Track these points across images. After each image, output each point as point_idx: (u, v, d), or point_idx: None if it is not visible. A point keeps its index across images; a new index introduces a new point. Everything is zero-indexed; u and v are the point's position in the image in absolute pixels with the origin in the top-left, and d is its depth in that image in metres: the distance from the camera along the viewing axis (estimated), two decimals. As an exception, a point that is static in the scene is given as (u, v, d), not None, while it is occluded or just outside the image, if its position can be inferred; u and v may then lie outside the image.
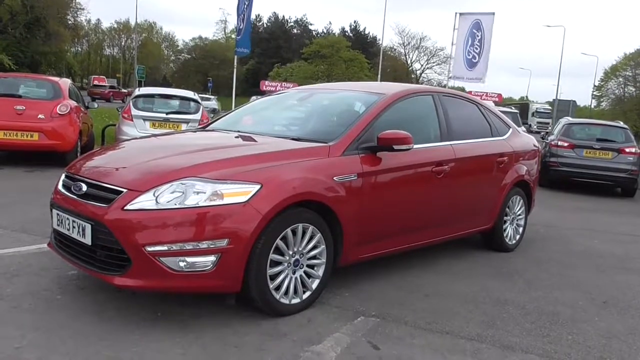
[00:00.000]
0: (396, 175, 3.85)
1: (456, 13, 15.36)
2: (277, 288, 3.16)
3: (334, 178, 3.39)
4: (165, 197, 2.91)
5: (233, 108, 14.71)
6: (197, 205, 2.89)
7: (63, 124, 8.53)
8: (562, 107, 38.70)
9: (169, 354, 2.72)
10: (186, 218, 2.87)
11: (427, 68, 58.05)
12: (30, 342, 2.74)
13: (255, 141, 3.65)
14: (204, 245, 2.87)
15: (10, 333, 2.83)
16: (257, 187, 3.00)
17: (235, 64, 13.42)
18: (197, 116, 9.42)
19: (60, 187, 3.44)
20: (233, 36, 78.50)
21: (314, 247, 3.32)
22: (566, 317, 3.58)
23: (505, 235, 5.23)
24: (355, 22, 67.00)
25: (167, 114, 9.21)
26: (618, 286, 4.42)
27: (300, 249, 3.25)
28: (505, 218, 5.18)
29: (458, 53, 15.44)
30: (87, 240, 3.01)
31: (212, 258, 2.89)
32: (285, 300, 3.21)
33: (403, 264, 4.39)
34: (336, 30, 64.10)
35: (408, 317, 3.37)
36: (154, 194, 2.91)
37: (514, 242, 5.37)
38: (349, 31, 65.12)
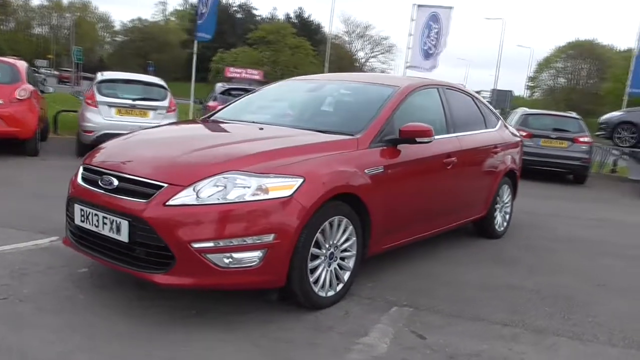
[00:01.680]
0: (414, 167, 3.91)
1: (413, 5, 15.61)
2: (315, 281, 3.16)
3: (365, 170, 3.40)
4: (207, 191, 2.83)
5: (192, 97, 14.39)
6: (243, 200, 2.82)
7: (23, 110, 8.05)
8: (500, 97, 40.24)
9: (222, 352, 2.67)
10: (232, 213, 2.80)
11: (372, 57, 58.68)
12: (75, 346, 2.61)
13: (282, 133, 3.59)
14: (250, 240, 2.81)
15: (47, 337, 2.68)
16: (300, 180, 2.97)
17: (195, 49, 13.03)
18: (165, 103, 9.11)
19: (80, 180, 3.26)
20: (172, 18, 76.27)
21: (346, 240, 3.33)
22: (578, 300, 3.78)
23: (495, 222, 5.43)
24: (300, 8, 66.50)
25: (133, 100, 8.84)
26: (607, 270, 4.70)
27: (335, 241, 3.25)
28: (495, 206, 5.38)
29: (415, 43, 15.71)
30: (123, 237, 2.88)
31: (258, 253, 2.84)
32: (322, 294, 3.21)
33: (407, 253, 4.47)
34: (281, 16, 63.49)
35: (437, 305, 3.46)
36: (194, 189, 2.82)
37: (502, 229, 5.59)
38: (293, 17, 64.65)
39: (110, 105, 8.71)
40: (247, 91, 10.35)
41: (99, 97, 8.69)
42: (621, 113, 13.43)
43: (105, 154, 3.35)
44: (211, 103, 10.12)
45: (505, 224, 5.67)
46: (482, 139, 5.00)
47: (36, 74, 10.38)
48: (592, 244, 5.65)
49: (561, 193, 9.78)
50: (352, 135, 3.56)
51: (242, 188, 2.85)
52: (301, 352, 2.73)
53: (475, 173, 4.84)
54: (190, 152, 3.12)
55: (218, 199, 2.81)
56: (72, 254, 3.84)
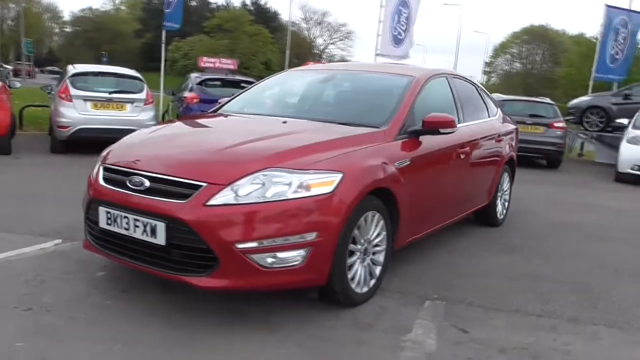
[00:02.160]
0: (435, 159, 3.90)
1: (383, -10, 15.57)
2: (352, 278, 3.10)
3: (395, 164, 3.35)
4: (247, 189, 2.72)
5: (162, 88, 13.93)
6: (286, 198, 2.73)
7: (-6, 106, 7.62)
8: (460, 82, 40.86)
9: (274, 355, 2.59)
10: (275, 211, 2.71)
11: (330, 44, 58.49)
12: (124, 357, 2.48)
13: (307, 127, 3.49)
14: (294, 239, 2.73)
15: (93, 348, 2.55)
16: (340, 175, 2.89)
17: (163, 38, 12.61)
18: (142, 95, 8.80)
19: (102, 182, 3.08)
20: (123, 7, 73.58)
21: (378, 235, 3.29)
22: (597, 287, 3.86)
23: (497, 211, 5.50)
24: (256, -5, 65.41)
25: (110, 93, 8.50)
26: (612, 255, 4.83)
27: (368, 237, 3.20)
28: (497, 194, 5.44)
29: (385, 30, 15.68)
30: (160, 240, 2.74)
31: (301, 252, 2.76)
32: (358, 290, 3.16)
33: (415, 243, 4.45)
34: (237, 3, 62.32)
35: (468, 297, 3.46)
36: (233, 188, 2.71)
37: (502, 217, 5.66)
38: (249, 5, 63.62)
39: (86, 99, 8.35)
40: (224, 81, 10.14)
41: (74, 91, 8.31)
42: (589, 98, 13.84)
43: (128, 153, 3.17)
44: (188, 94, 9.85)
45: (504, 211, 5.74)
46: (488, 127, 5.02)
47: (1, 69, 9.83)
48: (587, 229, 5.79)
49: (539, 178, 10.00)
50: (378, 127, 3.51)
51: (283, 185, 2.75)
52: (351, 352, 2.68)
53: (483, 162, 4.87)
54: (223, 149, 2.99)
55: (259, 197, 2.71)
56: (84, 258, 3.68)
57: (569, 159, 13.66)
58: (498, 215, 5.54)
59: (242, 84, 10.07)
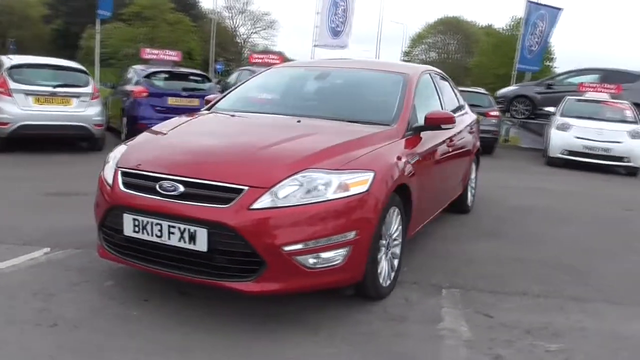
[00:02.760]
0: (432, 153, 4.05)
1: (318, -18, 15.68)
2: (379, 272, 3.19)
3: (410, 160, 3.47)
4: (286, 191, 2.72)
5: (98, 80, 13.21)
6: (328, 199, 2.76)
7: None
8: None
9: (326, 354, 2.63)
10: (318, 212, 2.73)
11: (253, 33, 57.62)
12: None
13: (323, 125, 3.50)
14: (336, 239, 2.77)
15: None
16: (372, 174, 2.96)
17: (97, 27, 11.93)
18: (89, 89, 8.34)
19: (123, 187, 2.95)
20: (29, -9, 68.41)
21: (397, 229, 3.39)
22: (581, 267, 4.22)
23: (467, 198, 5.80)
24: (174, -18, 63.07)
25: (54, 87, 7.98)
26: (575, 235, 5.26)
27: (390, 232, 3.30)
28: (468, 183, 5.73)
29: (322, 22, 15.81)
30: (200, 246, 2.68)
31: (342, 251, 2.80)
32: (384, 284, 3.25)
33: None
34: (154, -11, 59.73)
35: (477, 284, 3.66)
36: (275, 190, 2.71)
37: (470, 204, 5.98)
38: (167, -9, 61.21)
39: (28, 93, 7.79)
40: (172, 74, 9.80)
41: (13, 85, 7.73)
42: (516, 87, 14.74)
43: (151, 157, 3.05)
44: (134, 88, 9.43)
45: (472, 198, 6.06)
46: (464, 120, 5.27)
47: None
48: (544, 213, 6.23)
49: (480, 164, 10.54)
50: (388, 125, 3.60)
51: (322, 186, 2.78)
52: (397, 344, 2.77)
53: (462, 153, 5.11)
54: (257, 150, 2.96)
55: (301, 199, 2.72)
56: (84, 267, 3.55)
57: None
58: (468, 202, 5.84)
59: (191, 77, 9.81)
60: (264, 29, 55.89)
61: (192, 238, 2.69)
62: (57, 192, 5.81)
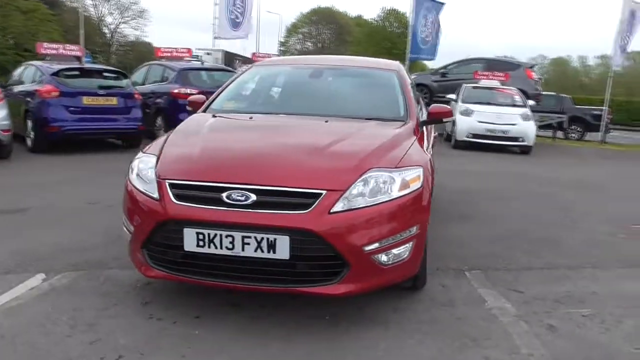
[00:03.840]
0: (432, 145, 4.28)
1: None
2: (424, 261, 3.33)
3: (430, 153, 3.64)
4: (357, 192, 2.76)
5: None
6: (395, 197, 2.82)
7: None
8: (229, 58, 41.66)
9: (410, 345, 2.72)
10: (389, 211, 2.79)
11: (122, 23, 54.09)
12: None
13: (350, 124, 3.52)
14: (405, 234, 2.85)
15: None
16: (421, 169, 3.06)
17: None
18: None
19: (176, 200, 2.76)
20: None
21: (428, 217, 3.55)
22: (555, 238, 4.74)
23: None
24: (22, -34, 57.09)
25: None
26: (528, 211, 5.84)
27: (425, 222, 3.45)
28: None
29: (221, 14, 15.42)
30: (281, 254, 2.62)
31: (408, 246, 2.89)
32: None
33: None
34: (0, -26, 53.67)
35: (489, 263, 3.98)
36: (350, 192, 2.73)
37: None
38: (15, -23, 55.34)
39: None
40: (84, 71, 9.02)
41: None
42: (414, 76, 15.57)
43: (203, 166, 2.87)
44: (41, 87, 8.52)
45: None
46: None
47: None
48: (489, 193, 6.82)
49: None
50: (403, 121, 3.73)
51: (387, 185, 2.84)
52: (462, 326, 2.93)
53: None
54: (318, 153, 2.93)
55: (371, 199, 2.77)
56: (104, 291, 3.31)
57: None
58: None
59: (106, 74, 9.12)
60: (134, 19, 52.77)
61: (272, 247, 2.62)
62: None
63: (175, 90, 10.02)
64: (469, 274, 3.74)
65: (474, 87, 12.85)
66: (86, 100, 8.50)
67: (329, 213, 2.64)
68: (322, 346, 2.69)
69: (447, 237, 4.64)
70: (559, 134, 17.35)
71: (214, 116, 3.75)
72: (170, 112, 10.07)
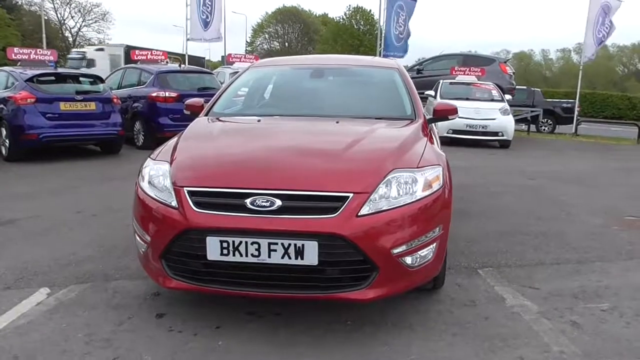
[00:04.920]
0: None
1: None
2: (443, 262, 3.30)
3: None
4: (382, 194, 2.70)
5: None
6: (420, 197, 2.77)
7: None
8: (192, 63, 41.29)
9: (439, 349, 2.69)
10: (415, 212, 2.74)
11: (84, 26, 52.77)
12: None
13: (362, 124, 3.46)
14: (430, 235, 2.81)
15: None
16: (441, 168, 3.03)
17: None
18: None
19: (196, 208, 2.65)
20: None
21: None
22: (554, 232, 4.78)
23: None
24: (-24, -32, 55.14)
25: None
26: (519, 206, 5.90)
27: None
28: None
29: (193, 15, 15.16)
30: (310, 260, 2.54)
31: (432, 247, 2.85)
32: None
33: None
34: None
35: (500, 260, 3.99)
36: (375, 194, 2.67)
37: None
38: (-30, -21, 53.39)
39: None
40: (59, 76, 8.70)
41: None
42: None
43: (223, 172, 2.77)
44: (15, 94, 8.18)
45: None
46: None
47: None
48: (477, 187, 6.88)
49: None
50: (412, 119, 3.69)
51: (411, 185, 2.79)
52: (494, 326, 2.91)
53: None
54: (339, 155, 2.87)
55: (396, 200, 2.71)
56: (114, 304, 3.17)
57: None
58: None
59: (82, 78, 8.84)
60: (96, 22, 51.60)
61: (300, 253, 2.54)
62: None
63: (154, 94, 9.82)
64: (482, 271, 3.73)
65: (451, 83, 12.96)
66: (63, 106, 8.22)
67: (357, 216, 2.58)
68: (353, 352, 2.64)
69: (452, 234, 4.53)
70: (532, 127, 17.68)
71: (219, 120, 3.64)
72: (149, 116, 9.86)
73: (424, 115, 3.82)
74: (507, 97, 12.78)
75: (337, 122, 3.46)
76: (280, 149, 3.00)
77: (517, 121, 16.02)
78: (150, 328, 2.85)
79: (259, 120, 3.59)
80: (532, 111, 16.93)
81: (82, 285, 3.41)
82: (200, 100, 4.15)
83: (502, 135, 11.73)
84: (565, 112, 18.12)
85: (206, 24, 15.35)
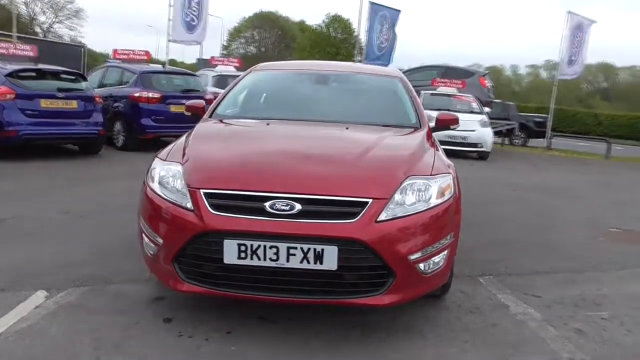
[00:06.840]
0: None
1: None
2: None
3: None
4: (399, 200, 2.71)
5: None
6: (433, 205, 2.79)
7: None
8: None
9: (450, 356, 2.70)
10: (430, 219, 2.75)
11: (56, 22, 51.59)
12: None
13: (370, 131, 3.47)
14: (443, 242, 2.83)
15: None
16: (451, 176, 3.07)
17: None
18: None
19: (213, 210, 2.60)
20: None
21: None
22: (552, 241, 4.87)
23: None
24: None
25: None
26: (515, 215, 6.01)
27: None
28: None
29: (176, 16, 14.96)
30: (329, 265, 2.52)
31: (444, 254, 2.86)
32: (446, 279, 3.41)
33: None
34: None
35: (498, 268, 4.04)
36: (393, 200, 2.68)
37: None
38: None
39: None
40: (41, 72, 8.47)
41: None
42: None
43: (241, 174, 2.73)
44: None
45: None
46: None
47: None
48: (466, 197, 6.88)
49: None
50: (418, 127, 3.72)
51: (426, 192, 2.82)
52: (497, 333, 2.94)
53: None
54: (357, 160, 2.87)
55: (412, 207, 2.73)
56: (119, 308, 3.09)
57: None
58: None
59: (64, 75, 8.62)
60: (69, 18, 50.46)
61: (319, 257, 2.52)
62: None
63: (136, 94, 9.66)
64: (483, 279, 3.78)
65: (433, 94, 13.14)
66: (44, 103, 8.00)
67: (376, 222, 2.58)
68: (366, 358, 2.62)
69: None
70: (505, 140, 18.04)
71: (226, 122, 3.60)
72: (130, 116, 9.69)
73: (428, 124, 3.86)
74: (486, 109, 13.01)
75: (347, 128, 3.47)
76: (296, 153, 2.97)
77: (494, 134, 16.34)
78: (159, 333, 2.78)
79: (267, 124, 3.56)
80: (507, 124, 17.27)
81: (80, 289, 3.31)
82: (202, 101, 4.12)
83: (482, 147, 11.94)
84: (537, 126, 18.55)
85: (191, 27, 15.19)
